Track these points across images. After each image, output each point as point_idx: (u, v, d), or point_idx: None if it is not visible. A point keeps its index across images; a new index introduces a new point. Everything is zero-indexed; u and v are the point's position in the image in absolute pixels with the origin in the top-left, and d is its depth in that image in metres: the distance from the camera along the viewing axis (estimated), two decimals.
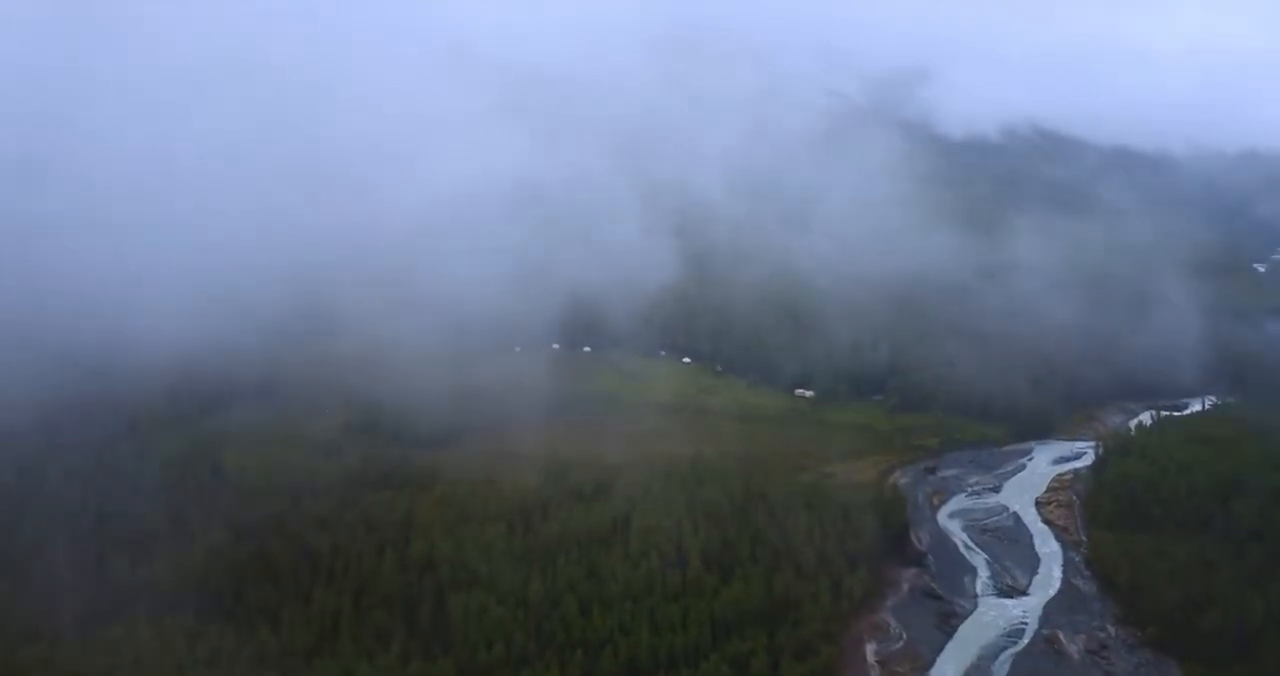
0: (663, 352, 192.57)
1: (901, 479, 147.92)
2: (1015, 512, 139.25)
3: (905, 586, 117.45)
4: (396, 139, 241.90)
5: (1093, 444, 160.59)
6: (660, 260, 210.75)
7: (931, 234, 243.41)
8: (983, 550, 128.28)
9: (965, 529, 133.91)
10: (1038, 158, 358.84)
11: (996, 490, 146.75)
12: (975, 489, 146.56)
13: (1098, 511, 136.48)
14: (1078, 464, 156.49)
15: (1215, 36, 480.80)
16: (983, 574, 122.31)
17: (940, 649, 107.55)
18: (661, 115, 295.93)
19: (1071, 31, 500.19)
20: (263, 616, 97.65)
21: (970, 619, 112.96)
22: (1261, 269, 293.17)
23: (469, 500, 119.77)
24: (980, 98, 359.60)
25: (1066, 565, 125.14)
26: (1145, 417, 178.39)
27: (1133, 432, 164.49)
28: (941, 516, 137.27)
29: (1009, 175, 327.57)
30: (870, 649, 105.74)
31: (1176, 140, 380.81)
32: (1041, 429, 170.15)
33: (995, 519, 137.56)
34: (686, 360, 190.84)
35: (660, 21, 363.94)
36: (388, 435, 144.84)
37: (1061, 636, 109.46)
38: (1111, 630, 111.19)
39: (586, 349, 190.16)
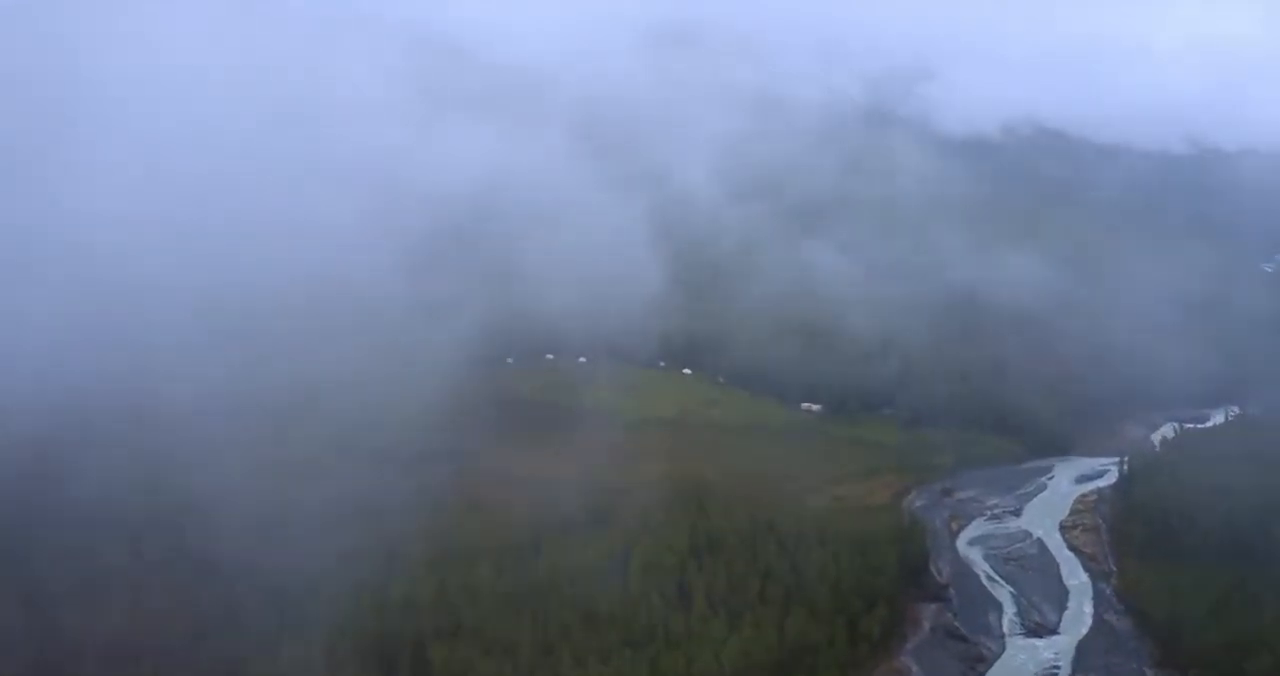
0: (662, 363, 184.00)
1: (917, 501, 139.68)
2: (1039, 539, 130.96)
3: (926, 625, 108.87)
4: (407, 135, 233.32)
5: (1115, 460, 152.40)
6: (659, 265, 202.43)
7: (935, 236, 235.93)
8: (1007, 582, 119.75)
9: (987, 558, 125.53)
10: (1038, 156, 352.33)
11: (1018, 513, 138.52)
12: (995, 512, 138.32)
13: (1127, 537, 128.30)
14: (1101, 483, 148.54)
15: (1216, 34, 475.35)
16: (1009, 610, 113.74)
17: None
18: (658, 114, 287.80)
19: (1072, 30, 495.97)
20: (226, 670, 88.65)
21: (998, 662, 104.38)
22: (1269, 269, 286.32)
23: (455, 532, 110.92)
24: (981, 96, 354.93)
25: (1097, 598, 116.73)
26: (1167, 430, 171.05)
27: (1157, 448, 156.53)
28: (961, 544, 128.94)
29: (1010, 174, 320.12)
30: None
31: (1177, 138, 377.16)
32: (1060, 444, 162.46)
33: (1018, 546, 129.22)
34: (687, 371, 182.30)
35: (656, 18, 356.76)
36: (370, 455, 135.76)
37: None
38: (1150, 674, 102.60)
39: (582, 359, 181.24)
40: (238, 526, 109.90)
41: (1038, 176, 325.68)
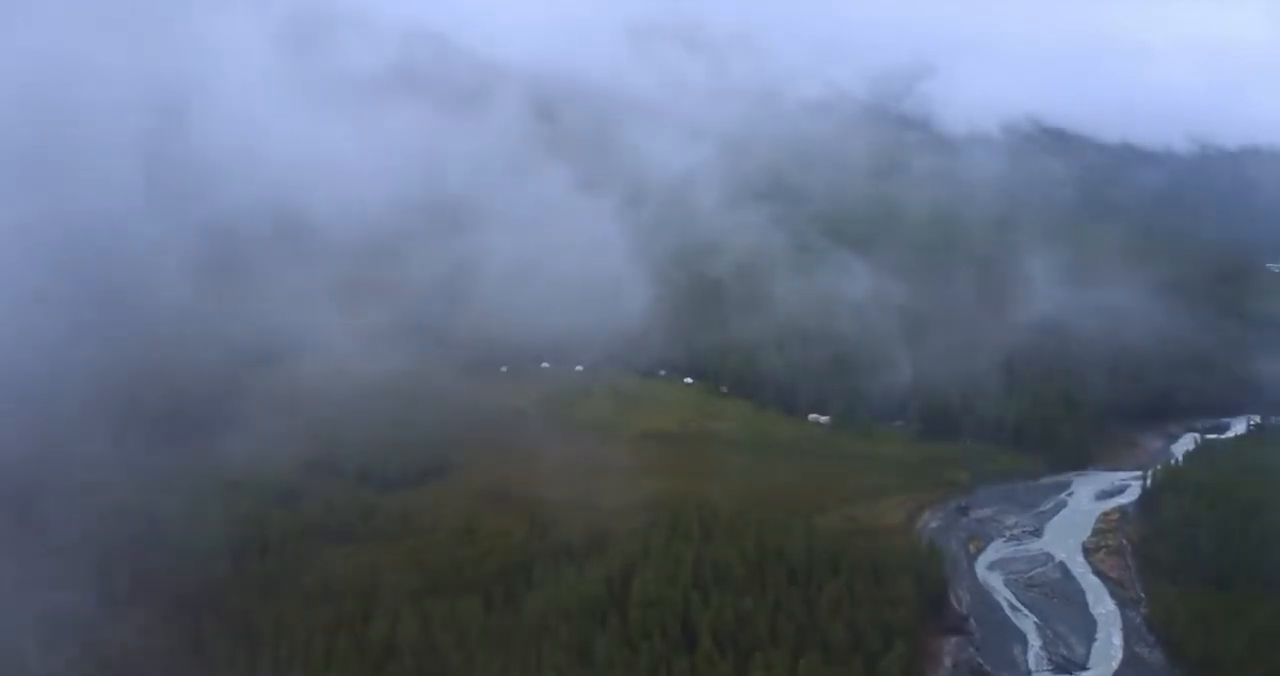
0: (662, 372, 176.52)
1: (932, 521, 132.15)
2: (1061, 562, 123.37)
3: (947, 661, 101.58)
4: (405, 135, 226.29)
5: (1136, 474, 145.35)
6: (657, 269, 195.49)
7: (941, 238, 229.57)
8: (1030, 611, 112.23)
9: (1008, 584, 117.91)
10: (1040, 154, 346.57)
11: (1038, 533, 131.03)
12: (1014, 532, 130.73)
13: (1155, 560, 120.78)
14: (1123, 499, 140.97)
15: (1218, 31, 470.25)
16: (1033, 643, 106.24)
17: None
18: (654, 112, 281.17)
19: (1073, 27, 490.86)
20: None
21: None
22: (1276, 269, 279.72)
23: (441, 561, 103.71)
24: (982, 94, 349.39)
25: (1127, 629, 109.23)
26: (1187, 441, 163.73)
27: (1180, 462, 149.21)
28: (980, 568, 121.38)
29: (1012, 172, 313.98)
30: None
31: (1179, 136, 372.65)
32: (1078, 457, 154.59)
33: (1040, 570, 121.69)
34: (688, 380, 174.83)
35: (653, 13, 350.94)
36: (354, 475, 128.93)
37: None
38: None
39: (579, 368, 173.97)
40: (211, 552, 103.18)
41: (1039, 174, 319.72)
